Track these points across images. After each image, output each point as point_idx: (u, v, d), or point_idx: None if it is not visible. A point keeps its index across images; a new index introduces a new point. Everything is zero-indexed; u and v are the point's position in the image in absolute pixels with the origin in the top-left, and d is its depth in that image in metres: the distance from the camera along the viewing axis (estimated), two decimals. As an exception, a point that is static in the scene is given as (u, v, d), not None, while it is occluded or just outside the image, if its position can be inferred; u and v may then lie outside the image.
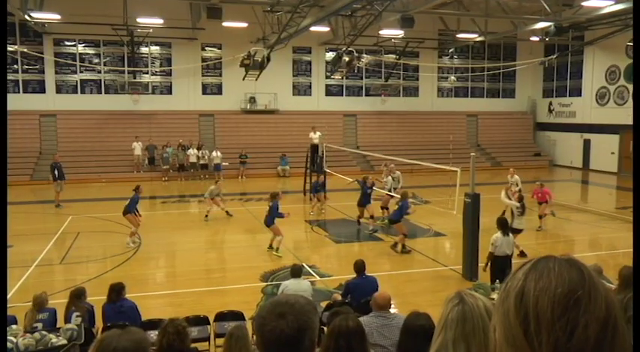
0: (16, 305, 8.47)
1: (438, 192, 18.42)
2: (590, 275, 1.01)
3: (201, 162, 26.88)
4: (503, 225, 9.93)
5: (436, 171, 18.11)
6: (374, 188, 16.02)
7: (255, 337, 1.83)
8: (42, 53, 26.40)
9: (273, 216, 13.06)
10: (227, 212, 17.41)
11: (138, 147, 26.54)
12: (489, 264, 9.88)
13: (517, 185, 17.18)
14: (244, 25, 25.33)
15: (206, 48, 29.21)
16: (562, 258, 1.05)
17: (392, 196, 16.40)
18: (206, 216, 17.01)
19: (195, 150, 26.83)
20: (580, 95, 31.26)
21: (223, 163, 26.79)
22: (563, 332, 0.95)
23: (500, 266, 9.40)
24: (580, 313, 0.96)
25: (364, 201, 15.70)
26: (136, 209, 14.08)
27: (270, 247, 13.17)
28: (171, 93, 29.11)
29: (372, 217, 15.69)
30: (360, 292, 7.85)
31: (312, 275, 11.36)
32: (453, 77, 31.58)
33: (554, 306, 0.96)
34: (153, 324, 6.64)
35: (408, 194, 14.27)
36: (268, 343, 1.71)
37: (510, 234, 9.94)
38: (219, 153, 26.81)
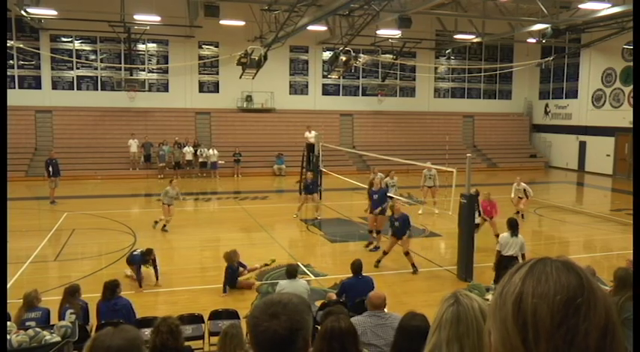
0: (10, 302, 8.43)
1: (431, 193, 18.42)
2: (588, 281, 0.99)
3: (200, 160, 26.85)
4: (513, 226, 9.83)
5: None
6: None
7: (249, 336, 1.82)
8: (38, 49, 26.28)
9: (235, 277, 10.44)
10: (164, 226, 15.06)
11: (134, 145, 26.48)
12: (497, 263, 9.83)
13: (526, 192, 17.03)
14: (242, 23, 25.30)
15: (203, 46, 29.16)
16: (559, 260, 1.03)
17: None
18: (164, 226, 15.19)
19: (191, 148, 26.79)
20: (576, 97, 31.34)
21: (219, 162, 26.78)
22: (563, 340, 0.92)
23: (506, 266, 9.28)
24: (580, 321, 0.94)
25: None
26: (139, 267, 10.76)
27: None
28: (167, 91, 29.06)
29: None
30: (356, 292, 7.86)
31: (307, 274, 11.36)
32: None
33: (554, 314, 0.94)
34: (147, 322, 6.62)
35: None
36: (261, 343, 1.70)
37: (520, 236, 9.82)
38: (215, 152, 26.79)
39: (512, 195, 17.34)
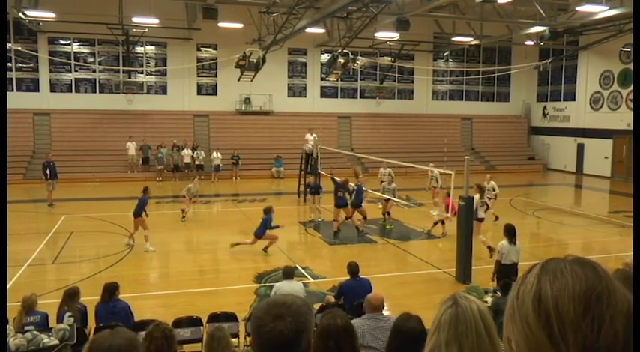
0: (8, 305, 8.42)
1: (432, 194, 18.45)
2: (604, 271, 1.00)
3: (197, 162, 26.81)
4: (511, 233, 9.59)
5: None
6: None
7: (250, 338, 1.82)
8: (36, 51, 26.29)
9: (264, 228, 13.05)
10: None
11: (132, 147, 26.47)
12: (497, 273, 9.61)
13: (493, 190, 17.04)
14: (240, 25, 25.32)
15: (201, 48, 29.18)
16: (569, 258, 1.03)
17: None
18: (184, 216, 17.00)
19: (189, 151, 26.76)
20: (574, 100, 31.39)
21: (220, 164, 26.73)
22: (591, 329, 0.92)
23: (507, 274, 9.11)
24: (604, 308, 0.94)
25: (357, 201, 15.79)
26: (145, 210, 13.87)
27: (265, 250, 13.24)
28: (166, 94, 29.05)
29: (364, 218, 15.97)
30: (354, 294, 7.85)
31: (306, 276, 11.35)
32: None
33: (576, 304, 0.94)
34: (145, 325, 6.60)
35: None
36: (265, 344, 1.70)
37: (517, 242, 9.66)
38: (219, 154, 26.72)
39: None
